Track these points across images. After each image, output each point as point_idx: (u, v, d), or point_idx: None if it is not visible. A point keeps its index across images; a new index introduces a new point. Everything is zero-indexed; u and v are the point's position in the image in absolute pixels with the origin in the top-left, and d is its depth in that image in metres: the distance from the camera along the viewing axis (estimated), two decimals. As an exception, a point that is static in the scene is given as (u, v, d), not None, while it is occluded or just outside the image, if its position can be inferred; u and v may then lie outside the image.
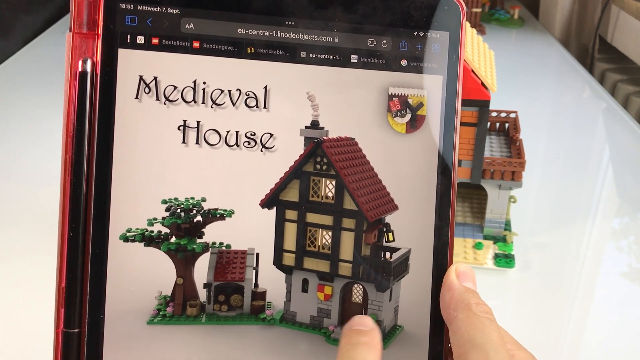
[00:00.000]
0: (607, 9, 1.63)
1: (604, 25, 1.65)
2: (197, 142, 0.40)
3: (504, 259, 0.80)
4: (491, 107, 0.79)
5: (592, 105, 1.33)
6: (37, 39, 1.56)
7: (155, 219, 0.40)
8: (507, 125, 0.93)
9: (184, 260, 0.41)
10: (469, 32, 0.82)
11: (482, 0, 1.72)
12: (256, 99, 0.40)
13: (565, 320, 0.73)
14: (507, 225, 0.87)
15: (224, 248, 0.41)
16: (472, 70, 0.74)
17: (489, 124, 0.88)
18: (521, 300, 0.77)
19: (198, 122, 0.40)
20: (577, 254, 0.85)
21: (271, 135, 0.41)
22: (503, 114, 0.93)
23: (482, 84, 0.75)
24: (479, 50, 0.80)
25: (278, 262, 0.42)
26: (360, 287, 0.43)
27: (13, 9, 1.49)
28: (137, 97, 0.40)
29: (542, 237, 0.88)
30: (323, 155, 0.41)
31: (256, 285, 0.43)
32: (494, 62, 0.82)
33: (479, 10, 1.68)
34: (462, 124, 0.77)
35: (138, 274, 0.40)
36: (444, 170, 0.41)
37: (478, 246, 0.83)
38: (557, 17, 1.74)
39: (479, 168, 0.79)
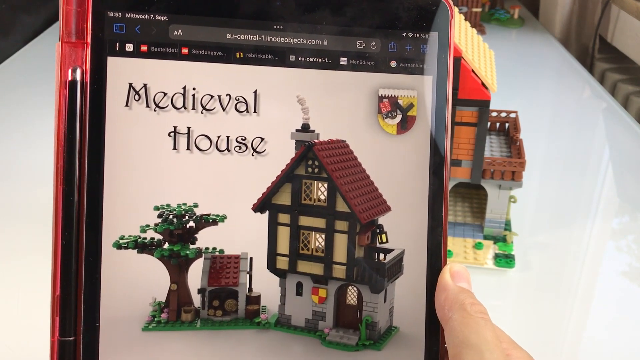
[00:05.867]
0: (607, 9, 1.63)
1: (604, 25, 1.65)
2: (188, 148, 0.40)
3: (504, 259, 0.80)
4: (491, 107, 0.79)
5: (592, 105, 1.33)
6: (37, 39, 1.56)
7: (147, 225, 0.40)
8: (507, 125, 0.93)
9: (177, 266, 0.42)
10: (469, 32, 0.82)
11: (482, 0, 1.72)
12: (246, 103, 0.41)
13: (565, 320, 0.73)
14: (507, 225, 0.87)
15: (217, 253, 0.42)
16: (472, 70, 0.74)
17: (489, 124, 0.88)
18: (521, 300, 0.77)
19: (188, 128, 0.40)
20: (577, 254, 0.84)
21: (262, 139, 0.41)
22: (503, 114, 0.93)
23: (482, 84, 0.75)
24: (479, 50, 0.80)
25: (272, 266, 0.42)
26: (355, 289, 0.43)
27: (13, 9, 1.49)
28: (127, 105, 0.40)
29: (542, 237, 0.88)
30: (314, 158, 0.41)
31: (250, 289, 0.43)
32: (494, 62, 0.82)
33: (479, 10, 1.67)
34: (462, 124, 0.77)
35: (132, 281, 0.40)
36: (436, 170, 0.41)
37: (478, 246, 0.82)
38: (557, 17, 1.74)
39: (479, 168, 0.79)
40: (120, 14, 0.39)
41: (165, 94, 0.40)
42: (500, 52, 1.03)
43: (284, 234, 0.42)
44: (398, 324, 0.42)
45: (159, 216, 0.40)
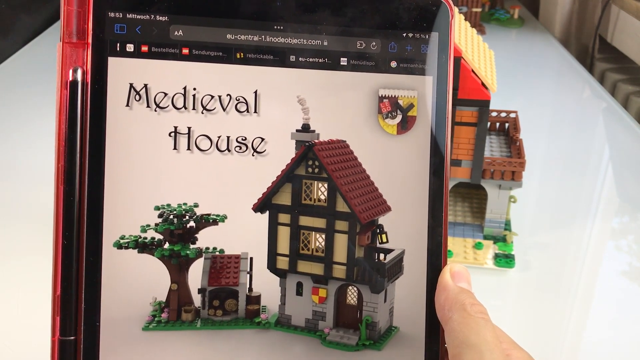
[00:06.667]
0: (607, 9, 1.63)
1: (604, 25, 1.65)
2: (189, 148, 0.40)
3: (504, 259, 0.80)
4: (491, 107, 0.79)
5: (592, 105, 1.33)
6: (37, 39, 1.56)
7: (148, 225, 0.40)
8: (507, 125, 0.93)
9: (177, 266, 0.42)
10: (469, 32, 0.82)
11: (482, 0, 1.72)
12: (246, 103, 0.41)
13: (565, 320, 0.73)
14: (507, 225, 0.87)
15: (217, 253, 0.42)
16: (472, 70, 0.74)
17: (489, 124, 0.88)
18: (521, 300, 0.77)
19: (189, 128, 0.40)
20: (577, 254, 0.84)
21: (262, 139, 0.41)
22: (503, 114, 0.93)
23: (482, 84, 0.75)
24: (479, 50, 0.80)
25: (272, 266, 0.42)
26: (355, 289, 0.43)
27: (13, 9, 1.49)
28: (127, 105, 0.40)
29: (542, 237, 0.88)
30: (315, 158, 0.42)
31: (250, 289, 0.43)
32: (494, 62, 0.82)
33: (479, 10, 1.67)
34: (462, 124, 0.77)
35: (132, 281, 0.40)
36: (436, 170, 0.41)
37: (478, 246, 0.82)
38: (557, 17, 1.74)
39: (479, 168, 0.79)
40: (121, 14, 0.39)
41: (165, 94, 0.40)
42: (500, 52, 1.03)
43: (284, 234, 0.42)
44: (398, 324, 0.42)
45: (160, 216, 0.41)
